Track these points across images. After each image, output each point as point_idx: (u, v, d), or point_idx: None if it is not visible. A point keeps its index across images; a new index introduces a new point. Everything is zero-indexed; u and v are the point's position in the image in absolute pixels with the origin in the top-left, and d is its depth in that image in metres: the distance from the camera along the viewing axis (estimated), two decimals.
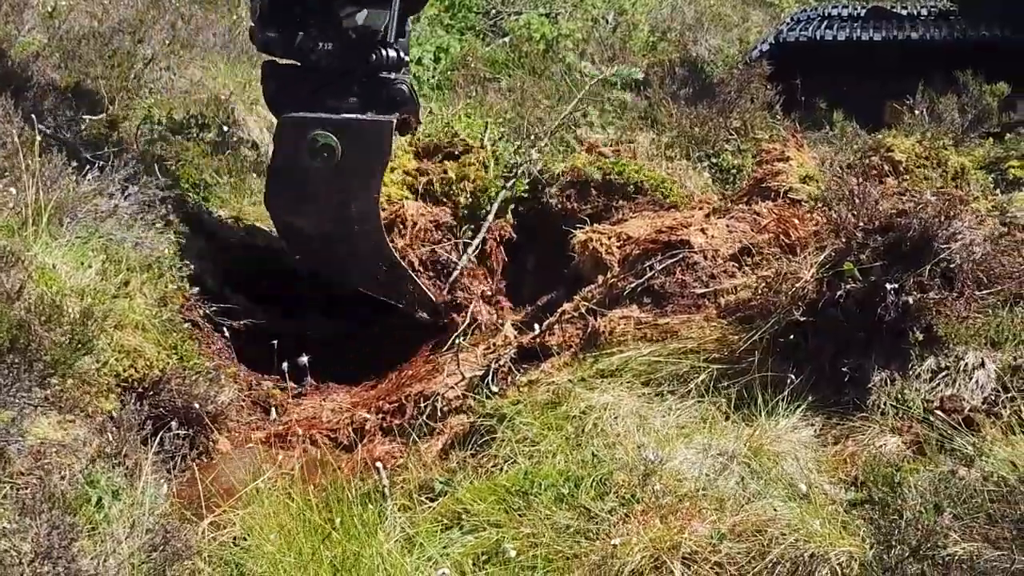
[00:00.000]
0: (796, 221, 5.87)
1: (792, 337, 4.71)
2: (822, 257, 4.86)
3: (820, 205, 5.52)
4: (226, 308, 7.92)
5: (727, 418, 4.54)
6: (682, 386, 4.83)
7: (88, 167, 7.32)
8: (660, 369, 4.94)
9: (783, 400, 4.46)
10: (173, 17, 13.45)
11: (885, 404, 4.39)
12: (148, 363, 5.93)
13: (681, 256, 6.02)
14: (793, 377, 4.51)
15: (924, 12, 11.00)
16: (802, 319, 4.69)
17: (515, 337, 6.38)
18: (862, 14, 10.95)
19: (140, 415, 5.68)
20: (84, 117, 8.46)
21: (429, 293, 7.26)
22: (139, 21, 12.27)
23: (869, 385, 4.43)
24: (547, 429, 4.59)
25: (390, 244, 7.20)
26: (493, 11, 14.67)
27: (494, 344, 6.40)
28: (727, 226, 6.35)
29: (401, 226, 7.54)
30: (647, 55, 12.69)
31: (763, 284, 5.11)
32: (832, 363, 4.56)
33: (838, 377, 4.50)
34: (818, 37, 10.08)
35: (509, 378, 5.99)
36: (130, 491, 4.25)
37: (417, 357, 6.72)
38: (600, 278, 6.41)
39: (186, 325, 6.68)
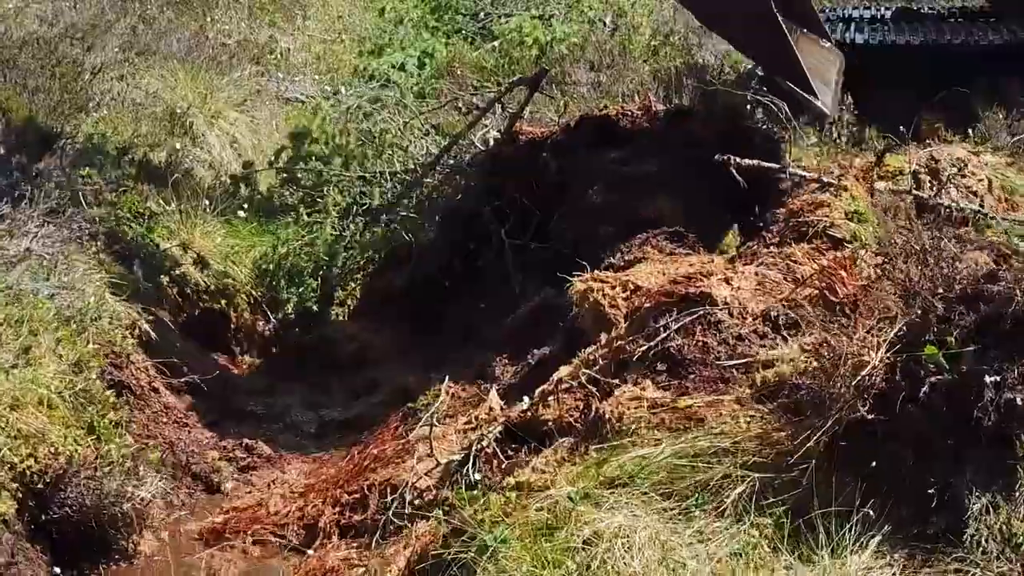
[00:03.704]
0: (843, 273, 4.80)
1: (858, 441, 3.63)
2: (891, 334, 3.78)
3: (882, 260, 4.44)
4: (168, 361, 6.86)
5: (775, 551, 3.47)
6: (714, 498, 3.76)
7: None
8: (685, 476, 3.87)
9: (851, 529, 3.39)
10: (134, 20, 12.39)
11: (987, 540, 3.33)
12: (52, 450, 4.86)
13: (701, 313, 4.96)
14: (862, 498, 3.43)
15: (955, 12, 9.93)
16: (870, 416, 3.61)
17: (501, 410, 5.31)
18: (887, 15, 9.87)
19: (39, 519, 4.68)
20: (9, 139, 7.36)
21: (802, 64, 6.34)
22: (91, 25, 11.21)
23: (965, 514, 3.36)
24: (541, 566, 3.51)
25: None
26: (482, 13, 13.61)
27: (475, 418, 5.31)
28: (756, 274, 5.29)
29: None
30: (649, 61, 11.65)
31: (813, 364, 4.03)
32: (914, 479, 3.49)
33: (923, 499, 3.44)
34: (847, 40, 9.00)
35: (494, 463, 4.93)
36: None
37: (385, 430, 5.62)
38: (603, 336, 5.34)
39: (109, 392, 5.59)
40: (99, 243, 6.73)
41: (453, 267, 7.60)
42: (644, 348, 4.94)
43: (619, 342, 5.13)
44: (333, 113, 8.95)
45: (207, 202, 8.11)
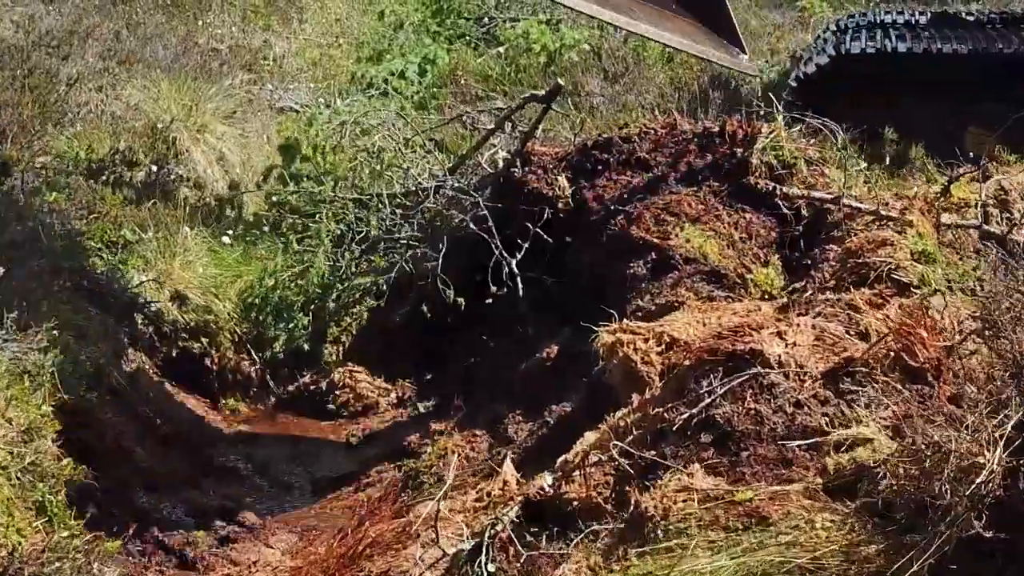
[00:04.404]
0: (923, 332, 4.07)
1: (970, 563, 2.92)
2: (1009, 427, 3.06)
3: (982, 325, 3.72)
4: (140, 411, 6.15)
5: None
6: None
7: None
8: None
9: None
10: (118, 25, 11.66)
11: None
12: None
13: (752, 374, 4.25)
14: None
15: (994, 18, 9.18)
16: (988, 535, 2.90)
17: (518, 484, 4.59)
18: (922, 21, 9.10)
19: None
20: None
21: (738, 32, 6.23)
22: (68, 32, 10.49)
23: None
24: None
25: None
26: (486, 18, 12.87)
27: (487, 494, 4.59)
28: (813, 327, 4.57)
29: None
30: (664, 68, 10.92)
31: (905, 455, 3.31)
32: None
33: None
34: (887, 48, 8.26)
35: (510, 551, 4.21)
36: None
37: (384, 503, 4.90)
38: (635, 398, 4.63)
39: (66, 461, 4.86)
40: (63, 280, 6.01)
41: (458, 301, 6.88)
42: (685, 416, 4.23)
43: (655, 408, 4.41)
44: (327, 130, 8.20)
45: (188, 229, 7.38)
